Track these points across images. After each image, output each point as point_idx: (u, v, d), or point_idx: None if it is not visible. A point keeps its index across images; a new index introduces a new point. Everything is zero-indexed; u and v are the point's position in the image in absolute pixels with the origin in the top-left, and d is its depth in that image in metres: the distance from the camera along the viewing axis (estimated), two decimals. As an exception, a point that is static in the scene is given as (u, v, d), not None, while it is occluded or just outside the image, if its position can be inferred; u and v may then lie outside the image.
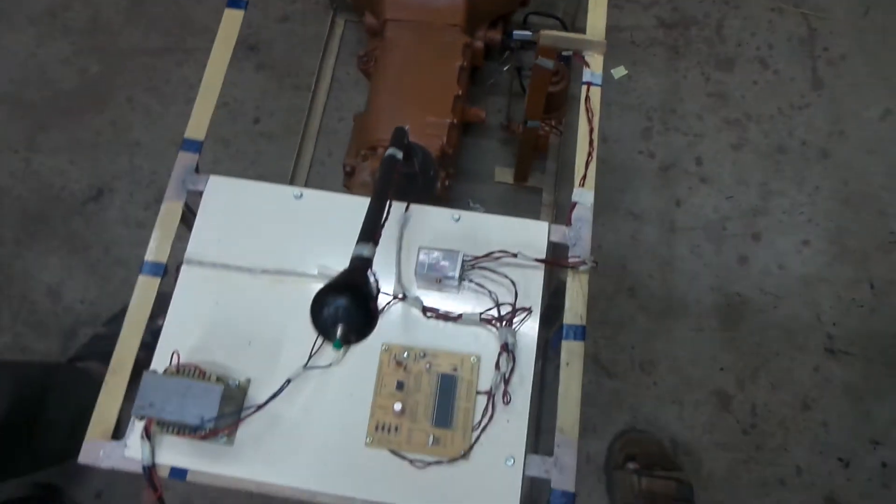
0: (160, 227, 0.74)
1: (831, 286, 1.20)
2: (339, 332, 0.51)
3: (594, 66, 0.83)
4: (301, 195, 0.75)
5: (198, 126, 0.79)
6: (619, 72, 1.38)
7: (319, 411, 0.66)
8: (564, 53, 0.86)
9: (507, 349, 0.67)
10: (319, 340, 0.68)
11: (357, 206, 0.74)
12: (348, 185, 0.97)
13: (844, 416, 1.12)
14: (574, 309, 0.71)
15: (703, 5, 1.42)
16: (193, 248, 0.73)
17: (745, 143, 1.31)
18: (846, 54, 1.37)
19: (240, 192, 0.76)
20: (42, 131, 1.31)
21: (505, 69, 1.16)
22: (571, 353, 0.69)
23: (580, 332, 0.70)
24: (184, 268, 0.72)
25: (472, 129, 1.30)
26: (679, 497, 1.00)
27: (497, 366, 0.67)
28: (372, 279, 0.53)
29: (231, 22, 0.85)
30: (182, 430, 0.60)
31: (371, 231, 0.55)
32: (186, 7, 1.42)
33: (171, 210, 0.75)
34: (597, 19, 0.84)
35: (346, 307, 0.51)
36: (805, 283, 1.20)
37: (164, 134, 1.31)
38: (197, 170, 0.78)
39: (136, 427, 0.65)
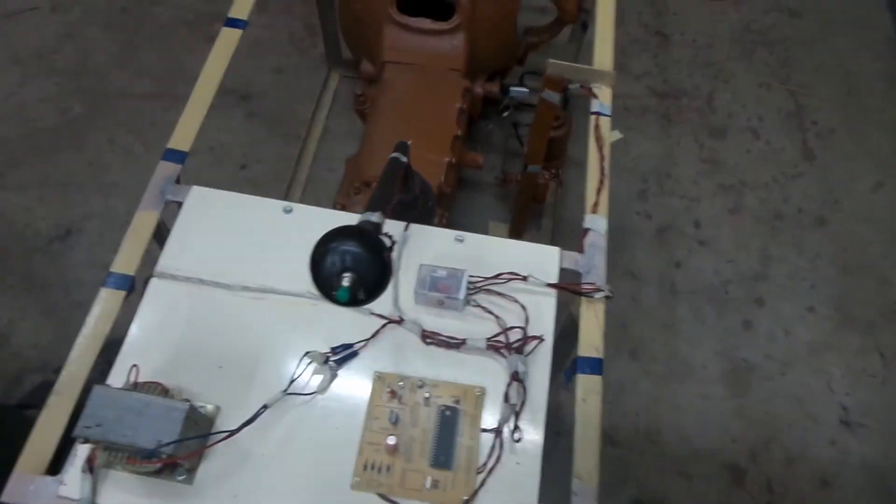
0: (131, 237, 0.67)
1: (840, 354, 1.14)
2: (346, 280, 0.43)
3: (602, 97, 0.80)
4: (291, 210, 0.69)
5: (184, 137, 0.74)
6: (615, 135, 1.37)
7: (299, 446, 0.57)
8: (571, 86, 0.83)
9: (518, 378, 0.59)
10: (305, 363, 0.59)
11: (353, 221, 0.68)
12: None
13: (863, 493, 1.03)
14: (590, 340, 0.64)
15: (692, 79, 1.45)
16: (167, 259, 0.65)
17: (742, 207, 1.29)
18: (834, 129, 1.39)
19: (224, 205, 0.69)
20: (11, 167, 1.25)
21: (504, 115, 1.14)
22: (588, 388, 0.61)
23: (597, 366, 0.63)
24: (153, 280, 0.64)
25: (467, 184, 1.27)
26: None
27: (506, 398, 0.58)
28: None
29: (227, 40, 0.82)
30: (134, 456, 0.50)
31: (380, 201, 0.49)
32: (180, 55, 1.40)
33: (144, 220, 0.68)
34: (604, 52, 0.82)
35: (357, 253, 0.43)
36: (812, 350, 1.15)
37: (144, 176, 1.25)
38: (178, 181, 0.71)
39: (78, 459, 0.55)
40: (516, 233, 1.20)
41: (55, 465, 0.55)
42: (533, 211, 1.20)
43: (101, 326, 0.61)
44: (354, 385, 0.60)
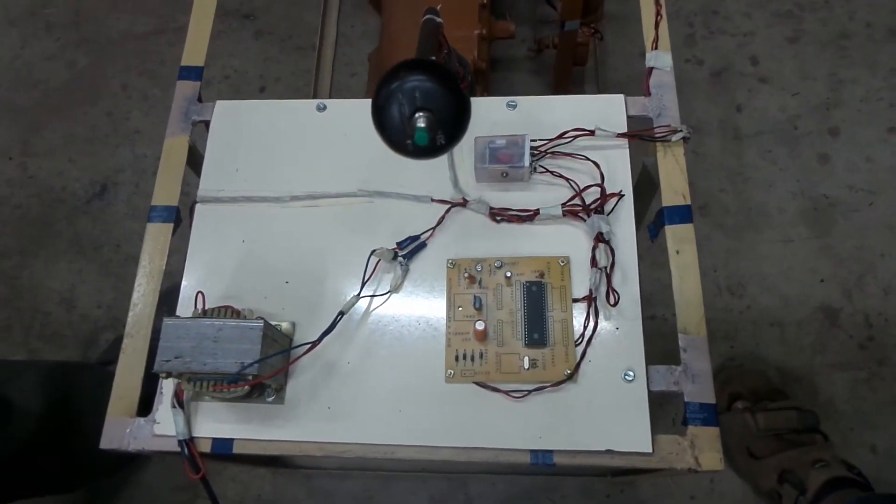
0: (165, 166, 0.63)
1: (930, 172, 1.05)
2: (421, 120, 0.38)
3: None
4: (325, 106, 0.63)
5: (195, 51, 0.68)
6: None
7: (384, 348, 0.54)
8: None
9: (603, 239, 0.54)
10: (373, 262, 0.56)
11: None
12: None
13: (973, 311, 0.97)
14: (673, 186, 0.58)
15: None
16: (207, 183, 0.61)
17: (803, 34, 1.17)
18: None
19: (253, 115, 0.64)
20: (35, 133, 1.21)
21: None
22: (680, 238, 0.56)
23: (686, 213, 0.57)
24: (198, 207, 0.60)
25: (498, 62, 1.18)
26: (805, 426, 0.86)
27: (593, 262, 0.54)
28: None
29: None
30: (219, 382, 0.48)
31: (429, 50, 0.43)
32: (172, -15, 1.32)
33: (175, 146, 0.64)
34: None
35: (429, 88, 0.38)
36: (899, 173, 1.06)
37: (165, 117, 1.20)
38: (200, 99, 0.66)
39: (166, 396, 0.53)
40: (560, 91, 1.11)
41: (146, 407, 0.54)
42: (574, 79, 1.11)
43: (156, 262, 0.59)
44: (429, 277, 0.56)
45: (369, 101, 0.63)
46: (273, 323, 0.54)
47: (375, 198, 0.59)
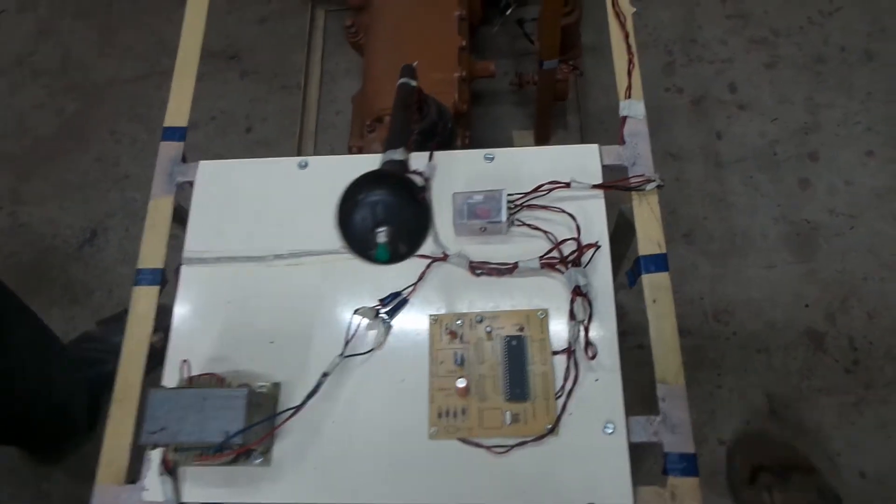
0: (150, 229, 0.64)
1: (909, 194, 1.07)
2: (381, 235, 0.39)
3: (614, -33, 0.72)
4: (306, 164, 0.65)
5: (178, 111, 0.69)
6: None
7: (368, 406, 0.55)
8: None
9: (581, 292, 0.55)
10: (356, 322, 0.56)
11: (374, 165, 0.63)
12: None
13: (956, 332, 0.98)
14: (649, 235, 0.59)
15: (701, -72, 1.31)
16: (192, 244, 0.62)
17: (779, 59, 1.19)
18: (869, -51, 1.25)
19: (236, 174, 0.65)
20: (26, 181, 1.23)
21: (507, 12, 1.05)
22: (656, 286, 0.57)
23: (662, 262, 0.58)
24: (183, 269, 0.61)
25: (482, 96, 1.20)
26: (825, 505, 0.84)
27: (571, 315, 0.55)
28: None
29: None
30: (205, 452, 0.48)
31: (399, 136, 0.44)
32: (159, 29, 1.34)
33: (160, 208, 0.65)
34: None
35: (388, 201, 0.39)
36: (878, 196, 1.07)
37: (154, 161, 1.22)
38: (185, 160, 0.68)
39: (153, 463, 0.54)
40: (542, 138, 1.13)
41: (133, 472, 0.55)
42: (556, 111, 1.13)
43: (143, 327, 0.59)
44: (411, 333, 0.57)
45: (350, 157, 0.65)
46: (259, 384, 0.55)
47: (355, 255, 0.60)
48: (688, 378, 0.75)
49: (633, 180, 0.60)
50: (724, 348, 1.00)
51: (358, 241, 0.39)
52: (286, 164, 0.65)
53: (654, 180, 0.59)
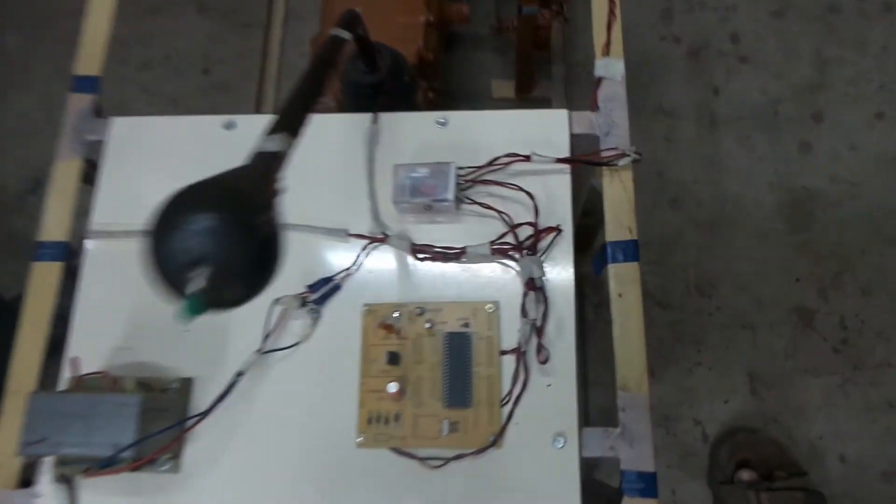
0: (54, 196, 0.56)
1: (918, 161, 0.98)
2: (195, 281, 0.30)
3: None
4: (233, 124, 0.56)
5: (91, 57, 0.60)
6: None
7: (290, 409, 0.48)
8: None
9: (535, 286, 0.48)
10: (276, 314, 0.50)
11: (316, 130, 0.55)
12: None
13: (955, 314, 0.92)
14: (619, 218, 0.51)
15: None
16: (99, 214, 0.55)
17: (788, 7, 1.08)
18: None
19: (153, 133, 0.57)
20: (-35, 123, 1.13)
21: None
22: (623, 278, 0.50)
23: (631, 250, 0.51)
24: (88, 243, 0.54)
25: (459, 41, 1.09)
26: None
27: (523, 311, 0.48)
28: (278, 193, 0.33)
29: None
30: (93, 466, 0.42)
31: (289, 117, 0.36)
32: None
33: (66, 171, 0.57)
34: None
35: (218, 230, 0.29)
36: (884, 162, 0.99)
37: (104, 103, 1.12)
38: (100, 114, 0.59)
39: (48, 468, 0.48)
40: (524, 88, 1.04)
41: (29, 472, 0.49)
42: (540, 59, 1.03)
43: (41, 309, 0.52)
44: (343, 324, 0.50)
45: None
46: (169, 379, 0.48)
47: (287, 232, 0.53)
48: (665, 354, 0.67)
49: (604, 153, 0.52)
50: (706, 323, 0.94)
51: (167, 279, 0.30)
52: (211, 124, 0.57)
53: (628, 154, 0.51)
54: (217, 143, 0.56)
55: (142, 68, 1.12)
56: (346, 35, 0.46)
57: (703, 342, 0.93)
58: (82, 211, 0.55)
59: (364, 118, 0.55)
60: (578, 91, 1.03)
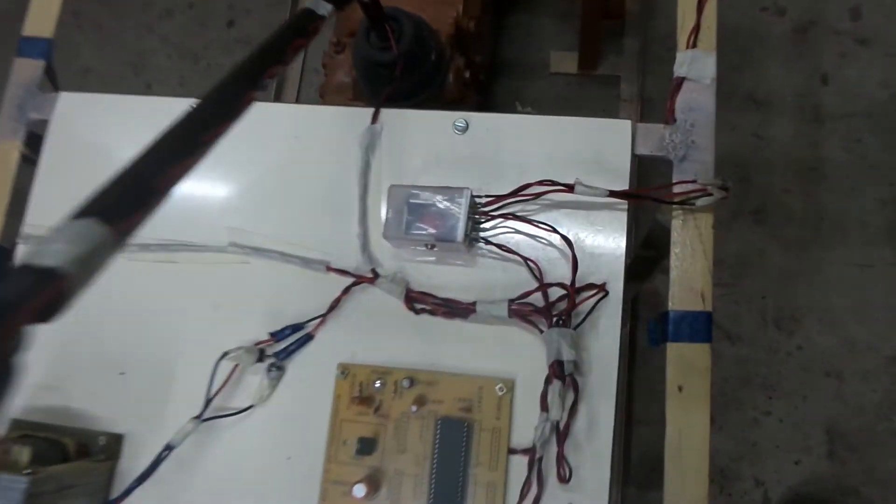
0: (-13, 184, 0.46)
1: None
2: None
3: None
4: (198, 111, 0.44)
5: (41, 16, 0.49)
6: None
7: (237, 491, 0.38)
8: None
9: (563, 372, 0.35)
10: (227, 368, 0.39)
11: (301, 125, 0.43)
12: (320, 90, 0.65)
13: None
14: (688, 280, 0.37)
15: None
16: (35, 214, 0.45)
17: (928, -23, 0.87)
18: None
19: (105, 115, 0.46)
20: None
21: None
22: (687, 365, 0.37)
23: (702, 326, 0.37)
24: (20, 250, 0.44)
25: (513, 3, 0.93)
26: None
27: (543, 404, 0.35)
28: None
29: None
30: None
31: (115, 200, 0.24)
32: None
33: (1, 155, 0.46)
34: None
35: None
36: None
37: (120, 56, 1.03)
38: (54, 84, 0.49)
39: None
40: (588, 63, 0.88)
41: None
42: (611, 30, 0.87)
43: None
44: (310, 388, 0.39)
45: (271, 105, 0.44)
46: (94, 434, 0.39)
47: (252, 257, 0.41)
48: (728, 397, 0.53)
49: (678, 187, 0.38)
50: (782, 365, 0.78)
51: None
52: (171, 108, 0.45)
53: (711, 193, 0.37)
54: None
55: (164, 16, 1.02)
56: (323, 10, 0.33)
57: (776, 387, 0.78)
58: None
59: (364, 114, 0.42)
60: (656, 72, 0.87)
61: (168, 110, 0.44)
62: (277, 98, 0.93)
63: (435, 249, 0.38)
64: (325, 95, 0.63)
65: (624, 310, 0.37)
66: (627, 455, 0.73)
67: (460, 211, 0.37)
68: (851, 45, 0.88)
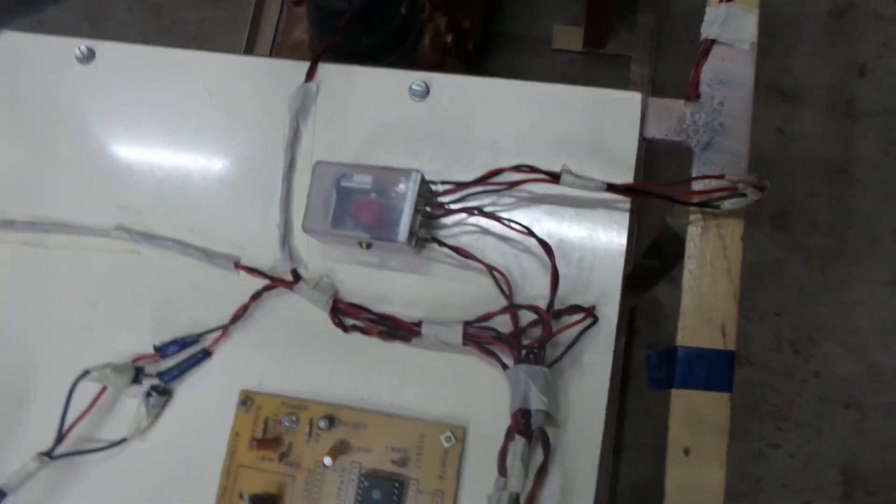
0: None
1: None
2: None
3: None
4: (90, 54, 0.35)
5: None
6: None
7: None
8: None
9: (529, 425, 0.26)
10: (96, 389, 0.29)
11: (224, 77, 0.33)
12: (277, 49, 0.56)
13: None
14: (705, 306, 0.28)
15: None
16: None
17: None
18: None
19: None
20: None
21: None
22: (698, 421, 0.27)
23: (723, 369, 0.28)
24: None
25: (519, -33, 0.83)
26: None
27: (501, 467, 0.26)
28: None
29: None
30: None
31: None
32: None
33: None
34: None
35: None
36: None
37: (77, 8, 0.93)
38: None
39: None
40: (595, 40, 0.78)
41: None
42: (621, 2, 0.77)
43: None
44: (200, 421, 0.30)
45: (188, 53, 0.35)
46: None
47: (143, 245, 0.32)
48: (732, 427, 0.46)
49: (698, 183, 0.28)
50: (796, 392, 0.70)
51: None
52: (61, 49, 0.35)
53: (745, 193, 0.28)
54: (67, 83, 0.35)
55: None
56: None
57: (788, 417, 0.69)
58: None
59: (299, 70, 0.33)
60: (672, 54, 0.77)
61: (48, 55, 0.35)
62: (252, 33, 0.83)
63: (372, 249, 0.29)
64: (281, 54, 0.53)
65: (617, 340, 0.28)
66: (614, 486, 0.65)
67: (405, 201, 0.27)
68: (895, 33, 0.77)
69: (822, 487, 0.67)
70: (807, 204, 0.74)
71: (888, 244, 0.72)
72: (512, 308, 0.27)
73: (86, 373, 0.29)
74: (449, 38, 0.52)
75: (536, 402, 0.26)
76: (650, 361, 0.31)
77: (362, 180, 0.28)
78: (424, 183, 0.28)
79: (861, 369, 0.69)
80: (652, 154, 0.32)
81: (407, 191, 0.27)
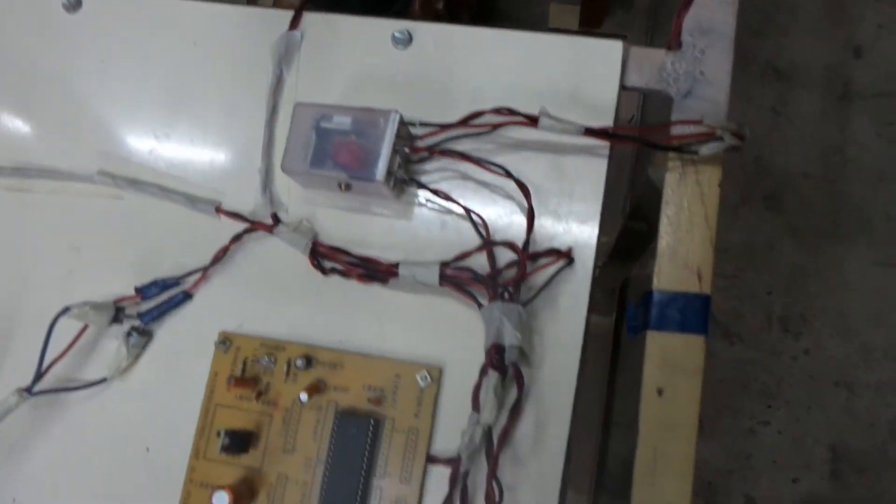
0: None
1: None
2: None
3: None
4: (77, 2, 0.35)
5: None
6: None
7: (78, 489, 0.29)
8: None
9: (503, 360, 0.26)
10: (76, 327, 0.30)
11: (208, 25, 0.34)
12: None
13: None
14: (681, 252, 0.28)
15: None
16: None
17: None
18: None
19: None
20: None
21: None
22: (671, 362, 0.28)
23: (697, 312, 0.28)
24: None
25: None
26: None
27: (475, 402, 0.26)
28: None
29: None
30: None
31: None
32: None
33: None
34: None
35: None
36: None
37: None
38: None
39: None
40: (591, 18, 0.78)
41: None
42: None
43: None
44: (183, 360, 0.30)
45: (184, 2, 0.35)
46: None
47: (126, 191, 0.32)
48: (723, 402, 0.45)
49: (677, 127, 0.29)
50: (786, 371, 0.70)
51: None
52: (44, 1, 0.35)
53: (721, 137, 0.28)
54: (50, 31, 0.35)
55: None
56: None
57: (777, 395, 0.69)
58: None
59: (284, 18, 0.33)
60: (668, 32, 0.77)
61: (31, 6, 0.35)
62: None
63: (351, 191, 0.29)
64: (280, 3, 0.53)
65: (593, 285, 0.28)
66: (603, 461, 0.65)
67: (384, 139, 0.27)
68: (893, 14, 0.77)
69: (810, 465, 0.67)
70: (799, 184, 0.74)
71: (880, 225, 0.72)
72: (488, 245, 0.27)
73: (66, 309, 0.29)
74: (440, 5, 0.52)
75: (511, 338, 0.26)
76: (629, 309, 0.31)
77: (341, 121, 0.28)
78: (403, 124, 0.28)
79: (851, 348, 0.69)
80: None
81: (385, 130, 0.28)
